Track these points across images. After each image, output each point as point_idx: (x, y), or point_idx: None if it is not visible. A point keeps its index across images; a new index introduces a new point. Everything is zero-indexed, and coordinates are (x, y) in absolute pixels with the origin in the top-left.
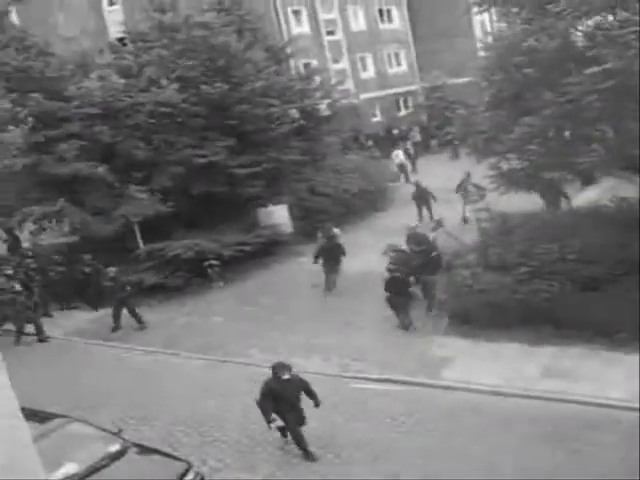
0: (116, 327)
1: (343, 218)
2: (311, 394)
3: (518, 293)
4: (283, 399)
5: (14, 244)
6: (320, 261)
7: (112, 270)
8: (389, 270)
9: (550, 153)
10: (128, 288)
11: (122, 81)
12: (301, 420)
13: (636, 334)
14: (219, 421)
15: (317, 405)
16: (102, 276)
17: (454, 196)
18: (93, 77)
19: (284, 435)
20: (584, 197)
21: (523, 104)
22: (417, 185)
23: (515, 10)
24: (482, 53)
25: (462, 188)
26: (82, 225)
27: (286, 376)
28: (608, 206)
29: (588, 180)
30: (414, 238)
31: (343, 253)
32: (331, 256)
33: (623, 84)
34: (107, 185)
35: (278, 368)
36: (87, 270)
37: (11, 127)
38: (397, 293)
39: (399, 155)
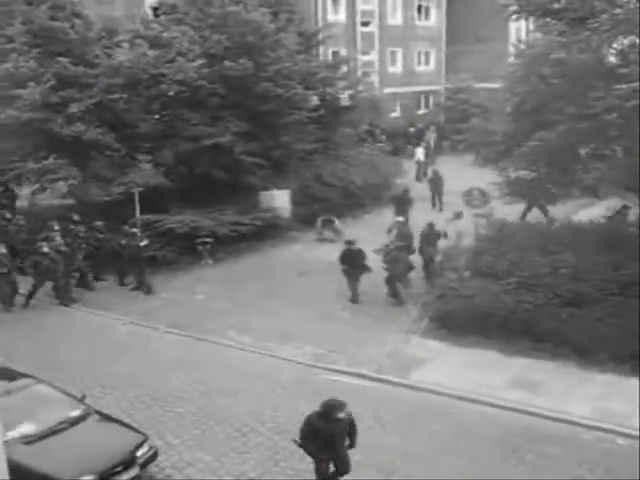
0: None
1: (346, 210)
2: (352, 434)
3: (502, 302)
4: (328, 442)
5: (10, 200)
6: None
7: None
8: (347, 242)
9: (558, 168)
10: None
11: (152, 53)
12: (346, 467)
13: (613, 355)
14: (183, 397)
15: (351, 447)
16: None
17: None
18: (125, 46)
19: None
20: (586, 214)
21: (541, 117)
22: (435, 172)
23: (553, 21)
24: (512, 60)
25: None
26: (81, 188)
27: (340, 415)
28: (605, 224)
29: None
30: (401, 234)
31: (364, 258)
32: (353, 263)
33: None
34: (112, 152)
35: (331, 406)
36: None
37: (32, 84)
38: (351, 265)
39: (419, 153)
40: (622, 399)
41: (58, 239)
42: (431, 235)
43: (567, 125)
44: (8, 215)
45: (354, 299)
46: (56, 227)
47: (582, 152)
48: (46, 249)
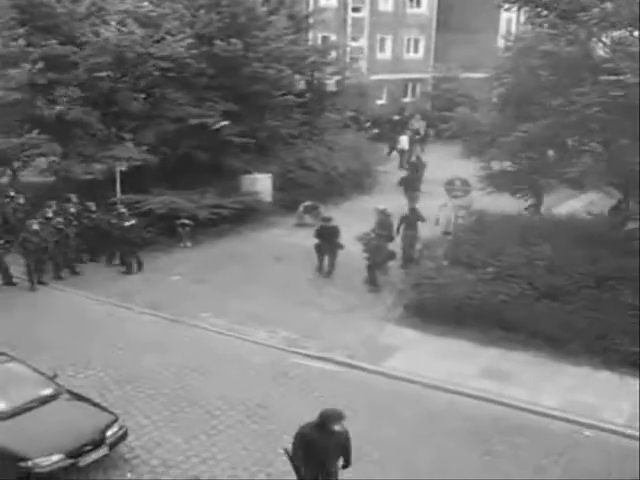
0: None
1: (327, 196)
2: (347, 450)
3: (477, 292)
4: (320, 456)
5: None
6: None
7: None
8: (323, 219)
9: (541, 160)
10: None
11: (141, 32)
12: None
13: (585, 348)
14: (155, 379)
15: (346, 466)
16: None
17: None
18: (113, 24)
19: None
20: (567, 206)
21: (526, 109)
22: (418, 158)
23: (544, 13)
24: (501, 52)
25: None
26: (62, 165)
27: (336, 427)
28: (584, 218)
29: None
30: (382, 222)
31: (338, 236)
32: (327, 239)
33: (629, 100)
34: (95, 130)
35: (327, 417)
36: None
37: (24, 64)
38: (326, 241)
39: (403, 141)
40: (592, 392)
41: (56, 218)
42: (412, 219)
43: (551, 118)
44: (12, 193)
45: (325, 271)
46: (54, 207)
47: (565, 145)
48: (36, 226)
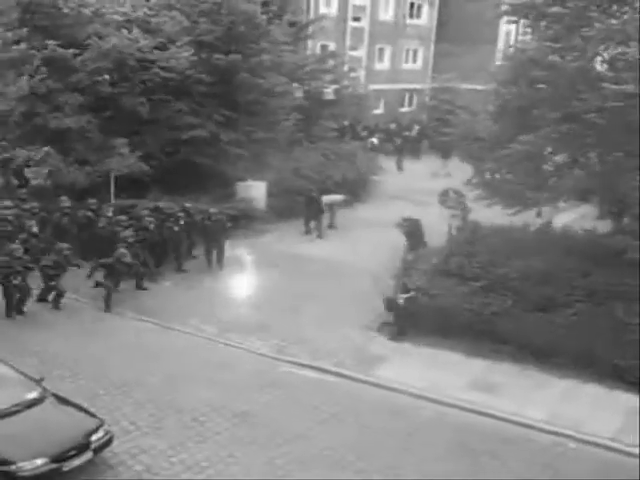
0: None
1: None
2: None
3: (468, 303)
4: None
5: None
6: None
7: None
8: (310, 190)
9: (535, 173)
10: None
11: (146, 41)
12: None
13: (574, 361)
14: (142, 384)
15: None
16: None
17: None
18: (113, 30)
19: None
20: (560, 219)
21: (524, 121)
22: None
23: (543, 24)
24: (500, 62)
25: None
26: (61, 172)
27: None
28: (578, 232)
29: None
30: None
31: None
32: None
33: (628, 110)
34: (93, 136)
35: None
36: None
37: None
38: (310, 208)
39: (374, 141)
40: (579, 404)
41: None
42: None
43: (547, 130)
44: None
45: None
46: (67, 203)
47: (558, 158)
48: (35, 229)
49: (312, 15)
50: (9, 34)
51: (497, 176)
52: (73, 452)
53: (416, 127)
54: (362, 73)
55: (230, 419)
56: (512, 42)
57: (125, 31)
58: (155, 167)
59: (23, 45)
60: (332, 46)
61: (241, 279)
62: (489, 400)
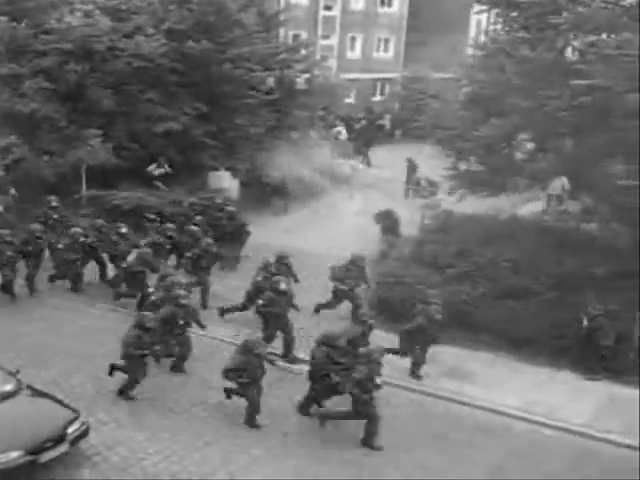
0: None
1: (293, 193)
2: None
3: (441, 291)
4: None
5: None
6: None
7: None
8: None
9: (509, 158)
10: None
11: (109, 23)
12: None
13: (548, 348)
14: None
15: None
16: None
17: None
18: (78, 14)
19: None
20: (531, 207)
21: (494, 108)
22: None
23: (514, 14)
24: (471, 51)
25: (413, 182)
26: (29, 162)
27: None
28: (549, 219)
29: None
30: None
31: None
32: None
33: (599, 103)
34: (63, 126)
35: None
36: None
37: None
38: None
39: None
40: (553, 392)
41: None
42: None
43: (518, 117)
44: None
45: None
46: (54, 203)
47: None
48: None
49: (282, 4)
50: None
51: (465, 165)
52: (49, 444)
53: (387, 116)
54: (334, 62)
55: None
56: (483, 31)
57: (88, 16)
58: (127, 158)
59: None
60: (304, 35)
61: None
62: (462, 387)
